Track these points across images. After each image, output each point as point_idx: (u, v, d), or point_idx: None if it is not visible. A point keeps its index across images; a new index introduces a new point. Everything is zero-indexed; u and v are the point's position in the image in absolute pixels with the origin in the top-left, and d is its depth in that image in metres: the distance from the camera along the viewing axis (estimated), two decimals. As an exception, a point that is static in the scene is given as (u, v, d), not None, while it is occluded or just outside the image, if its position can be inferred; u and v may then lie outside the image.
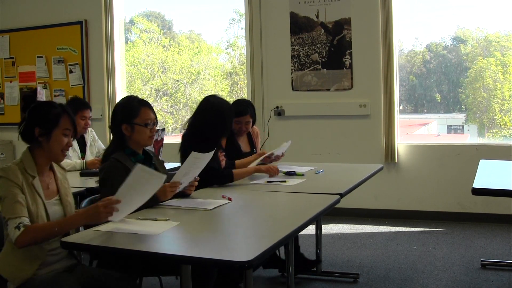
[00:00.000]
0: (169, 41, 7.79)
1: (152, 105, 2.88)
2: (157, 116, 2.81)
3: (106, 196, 2.29)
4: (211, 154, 2.81)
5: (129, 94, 2.90)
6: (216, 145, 3.21)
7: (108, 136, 6.41)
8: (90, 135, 4.50)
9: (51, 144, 2.26)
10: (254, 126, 4.12)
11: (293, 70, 5.78)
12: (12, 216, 2.15)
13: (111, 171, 2.61)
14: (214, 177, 3.25)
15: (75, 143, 4.30)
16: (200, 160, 2.77)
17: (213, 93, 5.07)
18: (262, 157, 3.68)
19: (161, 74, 7.73)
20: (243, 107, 3.90)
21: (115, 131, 2.74)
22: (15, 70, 6.91)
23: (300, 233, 2.30)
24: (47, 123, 2.26)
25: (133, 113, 2.69)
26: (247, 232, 2.23)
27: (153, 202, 2.61)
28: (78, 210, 2.38)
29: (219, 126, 3.33)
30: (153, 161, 2.82)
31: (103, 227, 2.17)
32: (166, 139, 4.52)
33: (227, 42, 7.76)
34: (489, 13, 5.79)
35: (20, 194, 2.19)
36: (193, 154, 2.70)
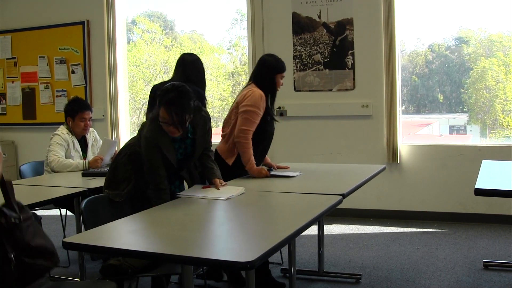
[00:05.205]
0: (171, 42, 7.78)
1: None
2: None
3: None
4: None
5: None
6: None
7: (110, 137, 6.42)
8: (92, 135, 4.50)
9: None
10: None
11: (295, 70, 5.77)
12: None
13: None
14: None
15: (76, 144, 4.31)
16: None
17: (214, 93, 5.05)
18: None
19: (163, 74, 7.71)
20: (283, 63, 3.68)
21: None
22: (17, 71, 6.92)
23: (302, 234, 2.29)
24: None
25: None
26: (248, 233, 2.23)
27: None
28: None
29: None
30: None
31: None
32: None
33: (229, 43, 7.72)
34: (491, 13, 5.77)
35: None
36: None
